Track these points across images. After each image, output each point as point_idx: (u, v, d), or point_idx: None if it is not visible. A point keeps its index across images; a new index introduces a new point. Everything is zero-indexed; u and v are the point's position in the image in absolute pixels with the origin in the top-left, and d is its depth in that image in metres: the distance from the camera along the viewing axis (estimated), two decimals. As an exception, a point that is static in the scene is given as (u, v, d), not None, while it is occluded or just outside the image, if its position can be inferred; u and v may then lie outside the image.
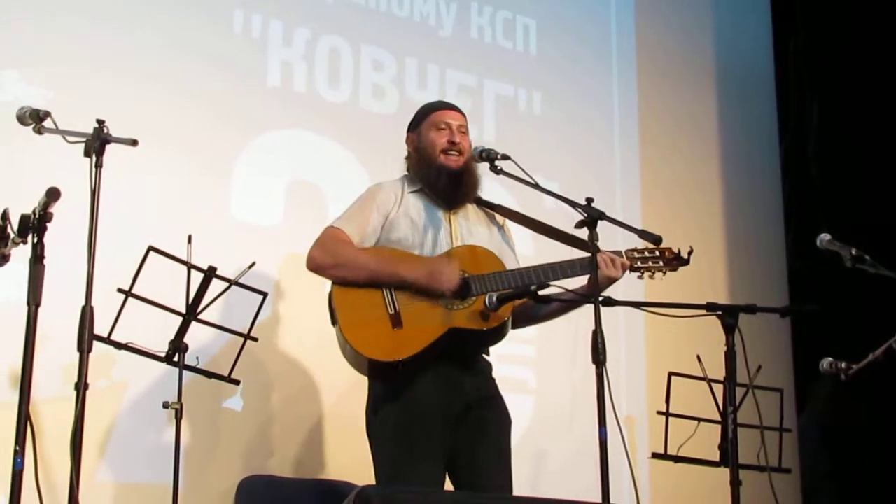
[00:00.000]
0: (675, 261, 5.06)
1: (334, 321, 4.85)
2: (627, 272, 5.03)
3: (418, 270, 4.85)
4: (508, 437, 5.02)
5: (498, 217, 5.33)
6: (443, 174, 5.09)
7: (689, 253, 5.04)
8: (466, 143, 5.15)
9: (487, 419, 4.95)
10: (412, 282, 4.82)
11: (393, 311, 4.78)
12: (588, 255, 4.76)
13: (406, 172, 5.28)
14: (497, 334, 4.93)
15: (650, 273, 5.06)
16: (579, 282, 4.97)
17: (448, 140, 5.12)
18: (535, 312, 5.15)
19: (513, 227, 5.40)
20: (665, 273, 5.07)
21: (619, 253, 5.00)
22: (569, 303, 4.94)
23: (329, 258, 4.90)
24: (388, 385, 4.86)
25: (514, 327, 5.04)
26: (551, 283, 4.89)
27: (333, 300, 4.87)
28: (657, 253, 5.05)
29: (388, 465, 4.79)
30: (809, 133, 9.03)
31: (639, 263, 5.04)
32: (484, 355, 5.09)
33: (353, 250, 4.93)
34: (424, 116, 5.26)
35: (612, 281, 4.91)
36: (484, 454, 4.88)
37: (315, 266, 4.94)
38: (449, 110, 5.28)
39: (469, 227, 5.14)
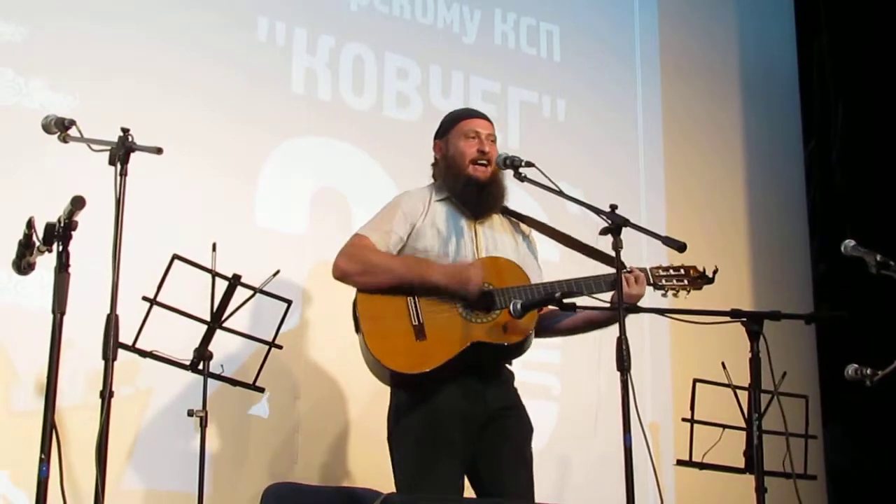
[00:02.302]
0: (699, 279, 5.04)
1: (358, 329, 4.85)
2: (651, 290, 5.02)
3: (444, 273, 4.86)
4: (530, 445, 5.01)
5: (523, 226, 5.32)
6: (471, 185, 5.07)
7: (714, 272, 5.02)
8: (495, 151, 5.12)
9: (509, 427, 4.94)
10: (438, 283, 4.83)
11: (417, 323, 4.78)
12: (612, 270, 4.79)
13: (433, 180, 5.27)
14: (519, 349, 4.93)
15: (674, 291, 5.04)
16: (605, 296, 4.97)
17: (478, 149, 5.10)
18: (555, 323, 5.14)
19: (538, 235, 5.38)
20: (689, 291, 5.05)
21: (643, 270, 4.98)
22: (594, 310, 4.93)
23: (356, 265, 4.89)
24: (411, 395, 4.86)
25: (537, 336, 5.03)
26: (578, 296, 4.88)
27: (357, 308, 4.86)
28: (682, 271, 5.04)
29: (409, 474, 4.79)
30: (834, 137, 8.99)
31: (663, 281, 5.02)
32: (507, 365, 5.08)
33: (380, 255, 4.92)
34: (453, 124, 5.24)
35: (637, 298, 4.89)
36: (506, 460, 4.87)
37: (341, 274, 4.93)
38: (478, 118, 5.26)
39: (494, 237, 5.13)
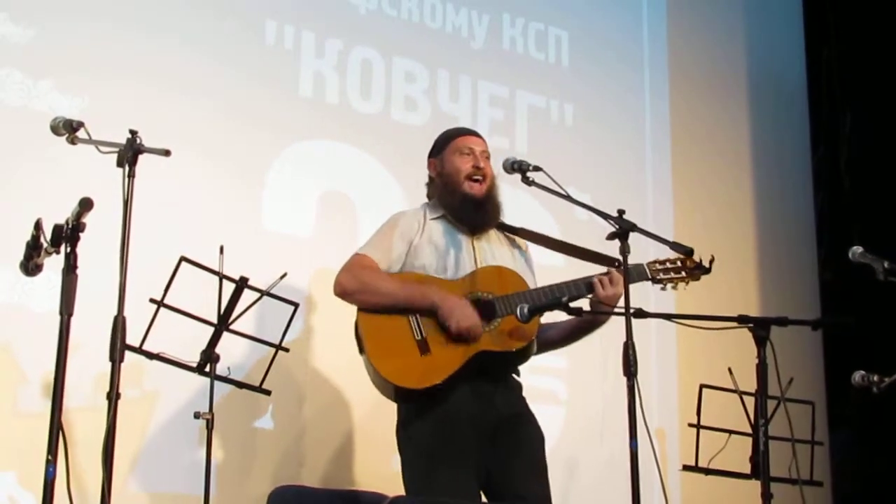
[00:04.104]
0: (696, 270, 5.04)
1: (362, 350, 4.86)
2: (651, 284, 5.03)
3: (443, 299, 4.83)
4: (544, 452, 5.00)
5: (519, 241, 5.33)
6: (467, 201, 5.09)
7: (711, 261, 5.01)
8: (489, 168, 5.15)
9: (522, 434, 4.94)
10: (435, 306, 4.82)
11: (420, 338, 4.79)
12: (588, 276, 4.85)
13: (427, 200, 5.29)
14: (523, 355, 4.94)
15: (673, 284, 5.05)
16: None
17: (473, 165, 5.11)
18: (546, 334, 5.13)
19: (536, 247, 5.39)
20: (688, 283, 5.05)
21: (639, 265, 4.98)
22: (597, 314, 4.94)
23: (356, 283, 4.90)
24: (419, 405, 4.86)
25: (538, 352, 5.04)
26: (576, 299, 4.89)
27: (360, 328, 4.87)
28: (679, 263, 5.03)
29: (420, 481, 4.78)
30: (842, 143, 8.99)
31: (661, 275, 5.03)
32: (514, 375, 5.08)
33: (380, 276, 4.94)
34: (447, 142, 5.25)
35: (616, 298, 4.89)
36: (521, 467, 4.86)
37: (342, 291, 4.94)
38: (471, 136, 5.28)
39: (492, 252, 5.13)
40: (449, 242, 5.06)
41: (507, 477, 4.84)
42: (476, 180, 5.10)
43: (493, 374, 4.92)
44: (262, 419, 5.92)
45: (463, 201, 5.09)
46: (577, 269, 5.14)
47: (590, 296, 4.95)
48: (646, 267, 5.01)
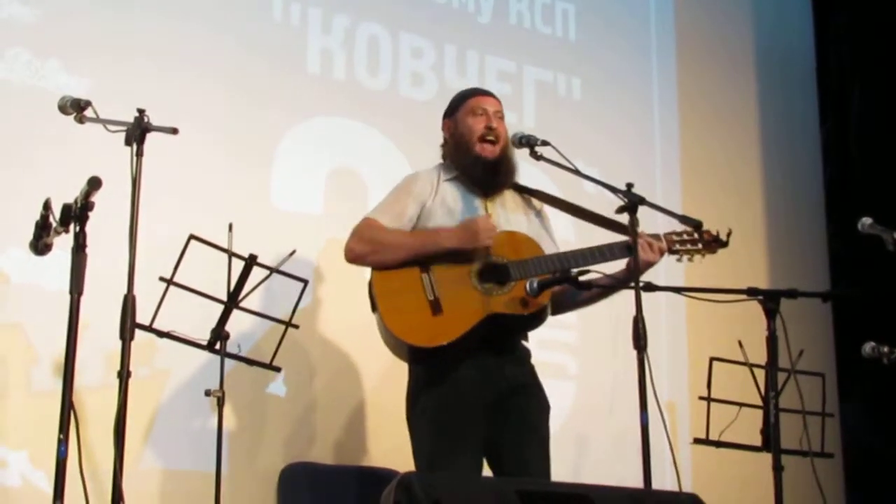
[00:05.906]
0: (714, 243, 5.04)
1: (374, 308, 4.86)
2: (666, 255, 5.02)
3: (455, 233, 4.87)
4: (547, 424, 5.01)
5: (535, 202, 5.32)
6: (479, 163, 5.08)
7: (728, 235, 5.01)
8: (503, 128, 5.15)
9: (527, 406, 4.94)
10: (450, 247, 4.84)
11: (433, 298, 4.79)
12: (626, 238, 4.78)
13: (442, 160, 5.28)
14: (536, 319, 4.92)
15: (689, 256, 5.04)
16: (617, 266, 4.97)
17: (486, 126, 5.11)
18: (571, 299, 5.13)
19: (553, 213, 5.38)
20: (704, 255, 5.05)
21: (657, 236, 4.98)
22: (609, 288, 4.94)
23: (367, 246, 4.91)
24: (428, 372, 4.87)
25: (553, 314, 5.04)
26: (590, 267, 4.87)
27: (374, 287, 4.87)
28: (696, 235, 5.02)
29: (427, 452, 4.80)
30: (851, 116, 8.97)
31: (677, 246, 5.02)
32: (523, 342, 5.08)
33: (389, 233, 4.93)
34: (461, 103, 5.26)
35: (650, 265, 4.90)
36: (524, 441, 4.88)
37: (354, 256, 4.96)
38: (485, 96, 5.28)
39: (506, 215, 5.12)
40: (464, 206, 5.07)
41: (510, 447, 4.86)
42: (489, 141, 5.10)
43: (503, 341, 4.93)
44: (273, 395, 5.92)
45: (475, 163, 5.09)
46: (591, 241, 5.13)
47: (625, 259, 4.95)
48: (662, 237, 5.00)
